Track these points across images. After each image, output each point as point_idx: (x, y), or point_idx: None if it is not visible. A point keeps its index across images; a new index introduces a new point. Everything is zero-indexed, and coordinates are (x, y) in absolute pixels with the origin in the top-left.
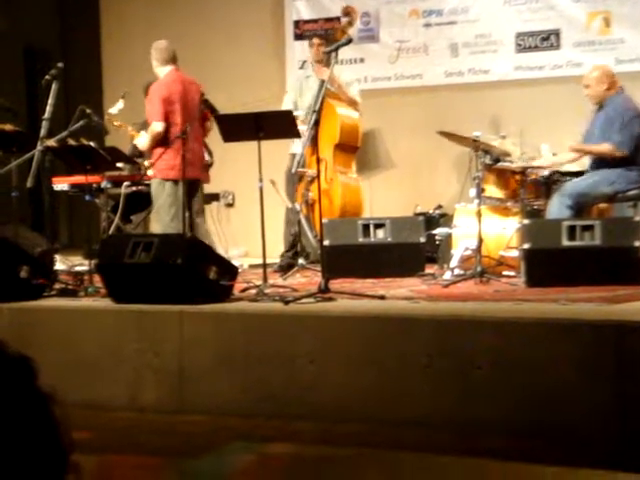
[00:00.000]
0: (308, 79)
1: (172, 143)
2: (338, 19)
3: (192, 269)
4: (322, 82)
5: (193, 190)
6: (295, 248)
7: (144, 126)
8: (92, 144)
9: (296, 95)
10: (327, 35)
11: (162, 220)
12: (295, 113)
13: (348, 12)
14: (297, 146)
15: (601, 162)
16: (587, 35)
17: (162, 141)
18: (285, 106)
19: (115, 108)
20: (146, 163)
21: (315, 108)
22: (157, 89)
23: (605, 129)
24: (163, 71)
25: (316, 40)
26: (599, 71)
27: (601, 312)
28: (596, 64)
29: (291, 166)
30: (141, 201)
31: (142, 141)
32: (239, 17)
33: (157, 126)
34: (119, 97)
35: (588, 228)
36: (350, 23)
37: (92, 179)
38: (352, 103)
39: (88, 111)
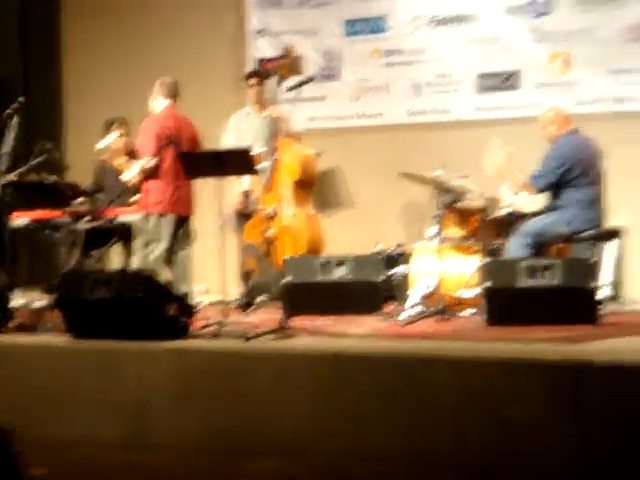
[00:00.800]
0: (248, 116)
1: (161, 178)
2: (282, 56)
3: (152, 305)
4: (275, 119)
5: (178, 226)
6: (253, 285)
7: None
8: (53, 179)
9: (235, 134)
10: (268, 74)
11: (141, 254)
12: (256, 150)
13: (289, 51)
14: (245, 183)
15: (558, 202)
16: (547, 76)
17: (150, 176)
18: (225, 144)
19: (103, 143)
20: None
21: (271, 145)
22: (151, 124)
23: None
24: (160, 104)
25: (253, 81)
26: (551, 112)
27: (560, 352)
28: (550, 105)
29: (242, 203)
30: (101, 236)
31: (131, 174)
32: (200, 52)
33: (149, 161)
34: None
35: (547, 268)
36: (292, 61)
37: (52, 214)
38: (298, 140)
39: (48, 146)
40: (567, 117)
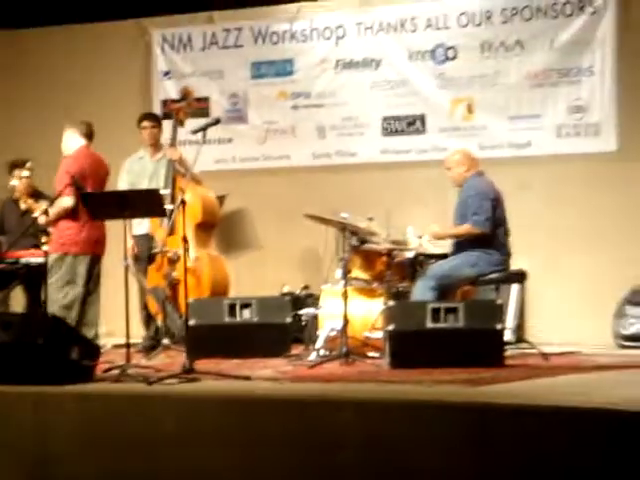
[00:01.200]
0: (142, 160)
1: (78, 218)
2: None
3: (53, 349)
4: (173, 162)
5: (93, 267)
6: (155, 328)
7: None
8: None
9: (132, 177)
10: (164, 117)
11: (53, 295)
12: (162, 192)
13: (187, 93)
14: (141, 226)
15: (462, 245)
16: (451, 121)
17: (66, 215)
18: (120, 188)
19: (13, 182)
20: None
21: (171, 188)
22: (69, 164)
23: (462, 211)
24: (76, 143)
25: (146, 123)
26: (459, 154)
27: (464, 394)
28: (457, 148)
29: (139, 247)
30: (1, 279)
31: (50, 212)
32: (107, 93)
33: (67, 201)
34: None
35: (452, 310)
36: (189, 104)
37: None
38: (198, 182)
39: None
40: (474, 159)
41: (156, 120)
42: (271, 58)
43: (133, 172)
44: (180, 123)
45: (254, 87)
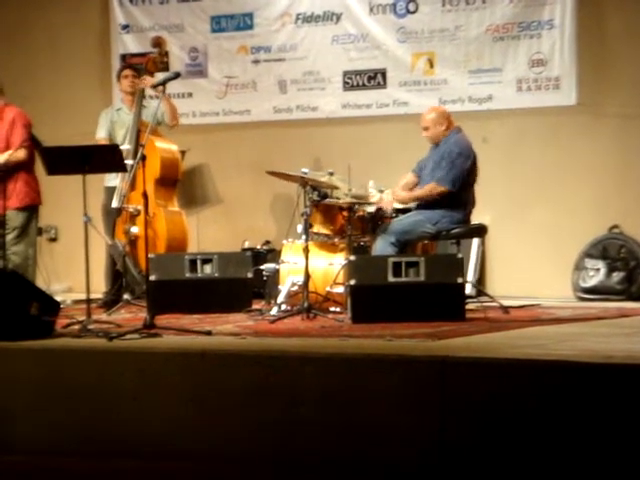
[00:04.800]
0: (119, 112)
1: (30, 170)
2: (154, 48)
3: (13, 304)
4: (141, 91)
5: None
6: (118, 284)
7: None
8: None
9: (109, 129)
10: (137, 67)
11: (26, 251)
12: (122, 147)
13: (158, 43)
14: (112, 180)
15: (426, 201)
16: (412, 75)
17: (23, 168)
18: (99, 141)
19: None
20: None
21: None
22: (21, 116)
23: (435, 168)
24: (3, 102)
25: (129, 72)
26: (436, 112)
27: (425, 348)
28: (433, 106)
29: (107, 201)
30: None
31: None
32: (65, 48)
33: (23, 152)
34: None
35: (413, 265)
36: (160, 54)
37: None
38: (160, 136)
39: None
40: (450, 115)
41: (137, 71)
42: (231, 12)
43: (109, 124)
44: (149, 74)
45: (214, 41)
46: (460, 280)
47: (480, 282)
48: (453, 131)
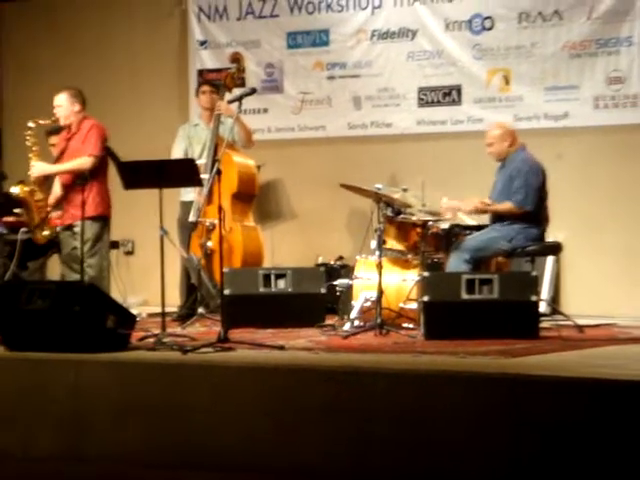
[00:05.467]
0: (196, 128)
1: (103, 181)
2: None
3: (90, 317)
4: (218, 116)
5: None
6: (193, 297)
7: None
8: None
9: (186, 144)
10: (216, 83)
11: (101, 263)
12: (198, 162)
13: (237, 59)
14: (188, 194)
15: (501, 218)
16: (487, 92)
17: (96, 179)
18: (175, 156)
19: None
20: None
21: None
22: (98, 127)
23: (506, 186)
24: (82, 114)
25: (207, 87)
26: (501, 129)
27: (498, 365)
28: (498, 122)
29: (183, 215)
30: (38, 247)
31: (63, 168)
32: (144, 64)
33: (88, 161)
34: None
35: (487, 282)
36: (239, 70)
37: None
38: (237, 151)
39: None
40: (515, 132)
41: (215, 87)
42: (307, 28)
43: (186, 139)
44: (228, 89)
45: (290, 57)
46: (534, 298)
47: (554, 300)
48: (519, 149)
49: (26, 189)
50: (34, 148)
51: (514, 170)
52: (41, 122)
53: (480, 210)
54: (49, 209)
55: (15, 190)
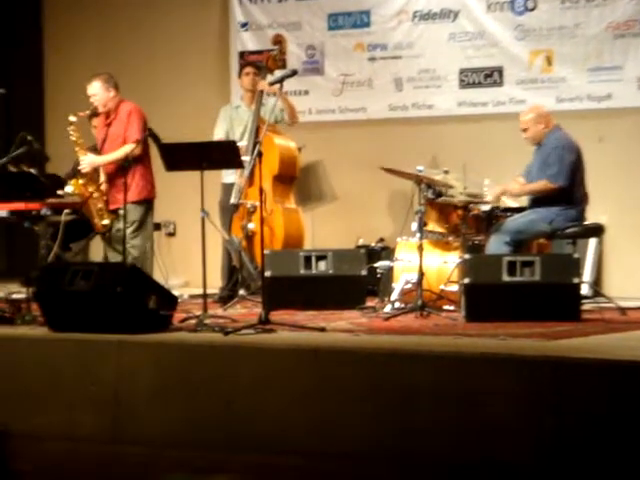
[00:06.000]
0: (238, 110)
1: (146, 164)
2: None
3: (132, 298)
4: (260, 93)
5: None
6: (234, 279)
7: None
8: (32, 171)
9: (228, 126)
10: (259, 65)
11: (144, 245)
12: (239, 144)
13: (279, 41)
14: (230, 176)
15: (540, 200)
16: (529, 73)
17: (139, 162)
18: (217, 137)
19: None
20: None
21: (253, 136)
22: (138, 111)
23: (542, 166)
24: (117, 98)
25: (250, 69)
26: (533, 112)
27: (539, 348)
28: (529, 106)
29: (224, 197)
30: (81, 229)
31: (112, 157)
32: (185, 47)
33: (134, 147)
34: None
35: (528, 264)
36: (280, 51)
37: (31, 206)
38: (279, 133)
39: (29, 138)
40: (548, 113)
41: (258, 69)
42: (348, 9)
43: (228, 121)
44: (269, 71)
45: (331, 39)
46: (576, 280)
47: (597, 282)
48: (553, 130)
49: (81, 182)
50: (79, 141)
51: (549, 149)
52: (81, 114)
53: (516, 193)
54: (105, 197)
55: (69, 189)
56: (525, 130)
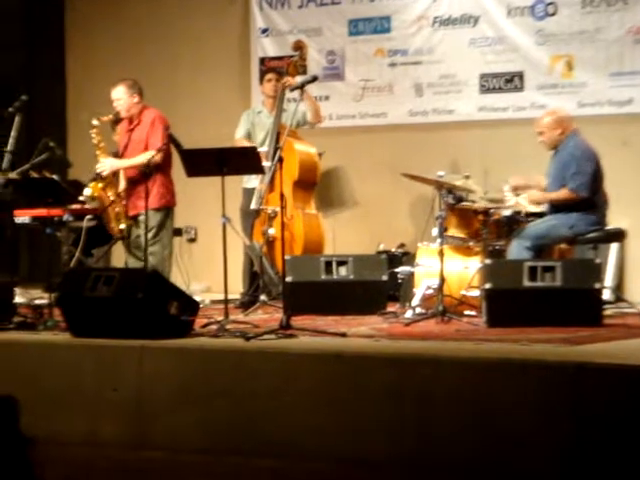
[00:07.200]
0: (260, 115)
1: (167, 172)
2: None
3: (153, 304)
4: (283, 91)
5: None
6: (255, 285)
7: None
8: (54, 177)
9: (248, 131)
10: (280, 71)
11: (162, 252)
12: (259, 149)
13: (300, 47)
14: (251, 181)
15: (560, 206)
16: (550, 78)
17: (160, 169)
18: (238, 137)
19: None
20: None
21: (274, 142)
22: (160, 118)
23: (560, 173)
24: (141, 105)
25: (272, 75)
26: (551, 117)
27: (561, 353)
28: (547, 110)
29: (246, 202)
30: (103, 235)
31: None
32: (207, 53)
33: (156, 155)
34: (87, 128)
35: (549, 269)
36: (301, 57)
37: (53, 212)
38: (299, 138)
39: (51, 144)
40: (567, 118)
41: (280, 75)
42: (368, 15)
43: (249, 126)
44: (290, 77)
45: (351, 44)
46: (598, 285)
47: (619, 288)
48: (570, 135)
49: (100, 185)
50: (100, 145)
51: (567, 156)
52: (104, 119)
53: (536, 201)
54: (123, 202)
55: (88, 191)
56: (541, 134)
